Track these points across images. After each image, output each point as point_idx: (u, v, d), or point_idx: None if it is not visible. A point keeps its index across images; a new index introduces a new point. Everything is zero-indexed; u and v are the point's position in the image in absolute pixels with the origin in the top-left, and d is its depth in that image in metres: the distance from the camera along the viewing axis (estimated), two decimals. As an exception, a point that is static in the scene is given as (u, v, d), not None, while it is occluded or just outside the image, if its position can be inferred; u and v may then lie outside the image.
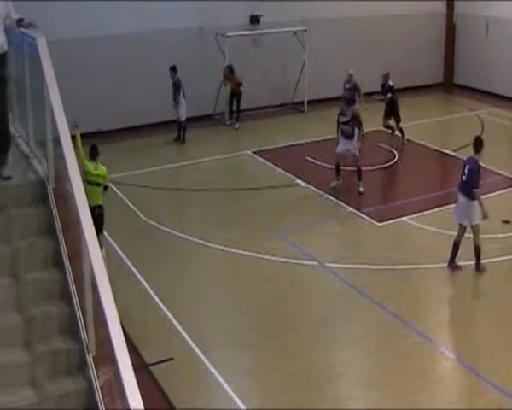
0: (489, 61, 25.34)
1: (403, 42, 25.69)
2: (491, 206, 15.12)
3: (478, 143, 12.39)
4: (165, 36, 20.75)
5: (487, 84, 25.19)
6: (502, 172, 17.46)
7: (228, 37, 21.19)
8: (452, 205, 13.52)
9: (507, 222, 14.44)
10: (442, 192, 16.52)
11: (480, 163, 12.35)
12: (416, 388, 9.34)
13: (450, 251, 12.48)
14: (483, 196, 12.37)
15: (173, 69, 19.43)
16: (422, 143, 19.88)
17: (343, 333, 10.76)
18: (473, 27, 26.14)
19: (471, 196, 12.15)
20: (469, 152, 17.25)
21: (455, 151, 18.86)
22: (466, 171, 12.25)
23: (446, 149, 19.20)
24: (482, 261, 12.44)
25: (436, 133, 21.16)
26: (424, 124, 21.96)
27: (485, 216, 12.02)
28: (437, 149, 19.48)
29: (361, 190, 15.94)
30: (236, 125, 21.23)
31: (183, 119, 19.64)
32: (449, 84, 27.01)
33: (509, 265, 12.83)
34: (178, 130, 19.82)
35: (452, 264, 12.52)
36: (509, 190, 16.39)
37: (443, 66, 27.42)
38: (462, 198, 12.37)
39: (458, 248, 12.44)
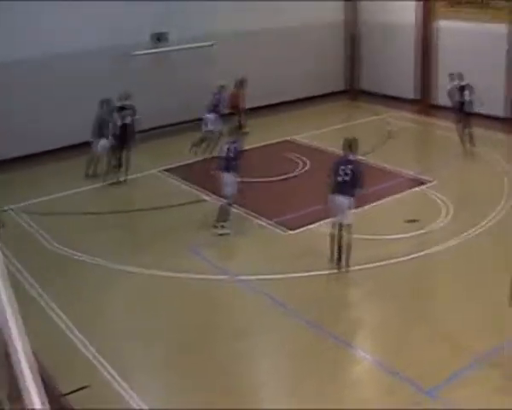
0: (389, 65, 26.09)
1: (308, 52, 26.14)
2: (398, 206, 15.66)
3: (351, 145, 12.81)
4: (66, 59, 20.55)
5: (389, 89, 25.90)
6: (407, 172, 18.00)
7: (133, 56, 21.10)
8: (359, 209, 13.99)
9: (412, 221, 14.88)
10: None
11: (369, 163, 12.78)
12: (335, 389, 9.58)
13: (363, 252, 12.97)
14: (391, 198, 12.75)
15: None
16: (330, 149, 20.23)
17: (261, 343, 10.90)
18: (373, 34, 26.86)
19: (352, 195, 12.49)
20: (377, 155, 17.77)
21: (363, 155, 19.27)
22: (347, 171, 12.43)
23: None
24: (391, 261, 12.99)
25: (341, 139, 21.52)
26: (332, 131, 22.39)
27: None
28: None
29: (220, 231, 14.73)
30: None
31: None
32: (354, 91, 27.61)
33: (415, 264, 13.25)
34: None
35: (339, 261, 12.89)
36: (413, 190, 16.88)
37: (347, 73, 28.04)
38: (340, 198, 12.55)
39: (335, 240, 12.87)
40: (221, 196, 15.30)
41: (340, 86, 27.82)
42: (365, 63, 27.38)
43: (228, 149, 14.59)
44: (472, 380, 9.64)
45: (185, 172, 18.80)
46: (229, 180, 14.58)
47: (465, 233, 14.22)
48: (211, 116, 19.60)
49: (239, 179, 14.86)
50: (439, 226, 14.68)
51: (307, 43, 26.13)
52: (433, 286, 12.98)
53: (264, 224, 15.20)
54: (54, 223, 15.75)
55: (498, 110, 22.65)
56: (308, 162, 18.99)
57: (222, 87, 20.03)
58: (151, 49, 22.19)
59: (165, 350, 10.78)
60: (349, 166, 12.46)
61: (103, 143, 18.26)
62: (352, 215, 12.70)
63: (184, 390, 9.76)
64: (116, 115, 17.96)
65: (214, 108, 19.72)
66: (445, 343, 10.58)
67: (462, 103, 19.44)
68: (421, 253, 13.52)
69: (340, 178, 12.48)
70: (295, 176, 18.27)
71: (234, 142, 14.74)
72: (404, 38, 25.60)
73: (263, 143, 20.50)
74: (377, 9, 26.52)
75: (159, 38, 22.43)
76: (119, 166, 18.17)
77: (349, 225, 12.63)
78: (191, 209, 16.30)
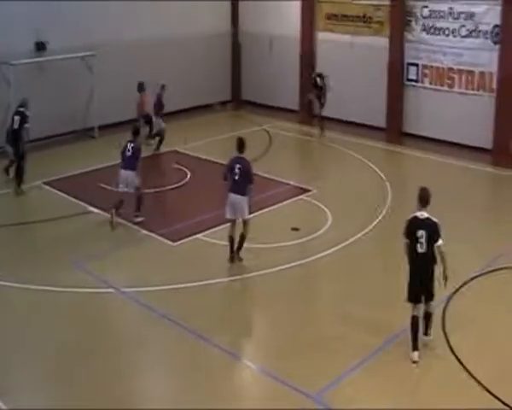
0: (273, 76, 26.57)
1: (192, 62, 26.26)
2: (280, 215, 15.94)
3: (241, 144, 13.51)
4: None
5: (272, 99, 26.37)
6: (289, 181, 18.36)
7: (12, 65, 20.56)
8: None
9: (296, 229, 15.17)
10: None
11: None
12: (219, 398, 9.62)
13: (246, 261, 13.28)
14: (275, 207, 13.02)
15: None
16: (213, 159, 20.36)
17: (145, 356, 10.81)
18: (257, 45, 27.28)
19: (244, 193, 13.23)
20: (258, 165, 18.04)
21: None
22: (237, 170, 13.17)
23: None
24: (273, 269, 13.27)
25: (226, 149, 21.72)
26: (214, 141, 22.54)
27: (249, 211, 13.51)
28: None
29: (138, 220, 15.67)
30: None
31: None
32: (237, 101, 27.91)
33: (298, 271, 13.52)
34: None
35: (233, 258, 13.55)
36: (296, 198, 17.22)
37: (231, 83, 28.31)
38: (235, 196, 13.25)
39: (234, 241, 13.51)
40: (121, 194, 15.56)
41: (227, 96, 28.06)
42: (248, 74, 27.72)
43: (128, 148, 15.64)
44: (356, 381, 9.94)
45: (69, 185, 18.41)
46: (129, 178, 15.50)
47: (346, 240, 14.62)
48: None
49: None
50: (321, 234, 15.03)
51: (194, 53, 26.26)
52: (315, 293, 13.29)
53: (148, 234, 15.12)
54: None
55: (380, 122, 23.47)
56: (189, 173, 18.99)
57: (163, 87, 21.09)
58: (31, 58, 21.63)
59: (47, 365, 10.52)
60: (237, 166, 13.23)
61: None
62: (247, 211, 13.31)
63: (66, 404, 9.53)
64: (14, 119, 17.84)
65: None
66: (328, 347, 10.84)
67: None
68: (304, 260, 13.83)
69: (236, 177, 13.16)
70: (178, 187, 18.23)
71: (133, 141, 15.72)
72: (287, 50, 26.12)
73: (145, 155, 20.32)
74: (260, 20, 26.96)
75: (39, 47, 21.94)
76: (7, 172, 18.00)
77: (246, 221, 13.39)
78: (75, 222, 15.99)
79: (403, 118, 23.24)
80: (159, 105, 21.52)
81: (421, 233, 10.17)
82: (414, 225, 10.31)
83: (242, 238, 13.57)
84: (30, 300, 12.46)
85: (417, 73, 22.85)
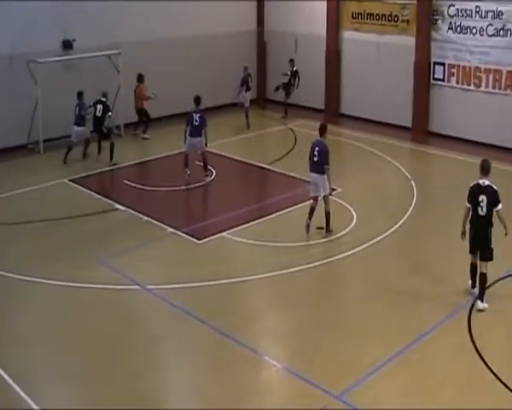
0: (300, 75, 26.49)
1: (218, 60, 26.31)
2: (306, 213, 15.89)
3: (323, 128, 14.97)
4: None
5: (298, 98, 26.28)
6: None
7: (39, 63, 20.74)
8: (268, 217, 15.33)
9: (321, 228, 15.14)
10: (259, 205, 17.18)
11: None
12: (244, 396, 9.62)
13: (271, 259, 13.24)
14: (300, 205, 13.28)
15: None
16: (239, 158, 20.43)
17: (170, 353, 10.85)
18: (282, 44, 27.26)
19: (323, 172, 14.59)
20: (284, 164, 18.06)
21: (269, 164, 19.54)
22: (316, 153, 14.65)
23: (261, 162, 19.86)
24: (299, 268, 13.27)
25: (252, 148, 21.80)
26: (240, 139, 22.60)
27: (332, 188, 15.05)
28: (252, 163, 20.12)
29: (209, 179, 18.14)
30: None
31: None
32: (262, 100, 27.89)
33: (321, 270, 13.50)
34: None
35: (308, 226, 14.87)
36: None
37: (256, 82, 28.30)
38: (315, 175, 14.80)
39: (314, 211, 14.89)
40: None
41: (253, 95, 28.00)
42: (273, 72, 27.67)
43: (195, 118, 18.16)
44: (379, 382, 9.88)
45: (95, 182, 18.57)
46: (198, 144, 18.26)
47: (371, 239, 14.58)
48: None
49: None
50: (346, 233, 14.99)
51: (219, 52, 26.31)
52: (340, 292, 13.23)
53: (174, 232, 15.18)
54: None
55: (406, 121, 23.37)
56: (215, 171, 19.03)
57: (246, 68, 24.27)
58: (58, 56, 21.81)
59: (74, 361, 10.56)
60: (316, 149, 14.70)
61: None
62: (327, 187, 14.71)
63: (91, 401, 9.60)
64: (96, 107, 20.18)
65: None
66: (351, 347, 10.81)
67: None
68: (327, 260, 13.80)
69: (315, 158, 14.65)
70: (204, 185, 18.28)
71: (197, 111, 18.27)
72: (313, 49, 26.11)
73: (173, 152, 20.45)
74: (286, 19, 26.96)
75: (66, 46, 22.12)
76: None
77: (326, 197, 14.75)
78: (100, 219, 16.11)
79: (429, 117, 23.11)
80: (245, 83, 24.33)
81: (482, 198, 11.64)
82: (476, 191, 11.73)
83: (327, 214, 14.84)
84: (56, 296, 12.55)
85: (444, 73, 22.69)
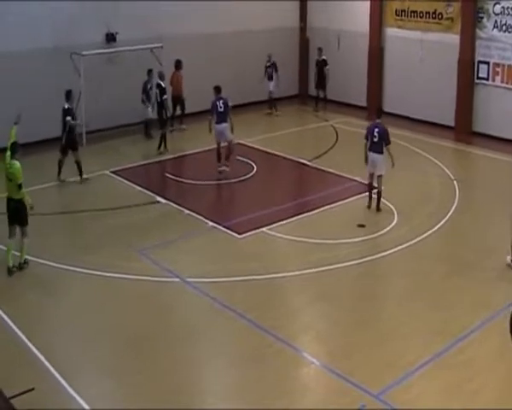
0: (341, 72, 26.40)
1: (260, 56, 26.30)
2: (346, 211, 15.85)
3: (379, 111, 17.17)
4: (16, 58, 20.33)
5: (340, 95, 26.18)
6: (356, 178, 18.19)
7: (83, 56, 20.92)
8: (308, 213, 15.38)
9: (362, 226, 15.06)
10: (299, 201, 17.17)
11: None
12: (282, 393, 9.58)
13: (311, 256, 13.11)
14: (341, 202, 13.91)
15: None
16: (280, 154, 20.41)
17: (208, 346, 10.84)
18: (325, 40, 27.14)
19: (382, 151, 15.88)
20: (324, 160, 17.99)
21: (310, 161, 19.47)
22: (376, 134, 15.87)
23: (302, 158, 19.80)
24: (339, 265, 13.22)
25: (293, 144, 21.74)
26: (282, 135, 22.57)
27: (393, 164, 15.91)
28: (294, 159, 20.08)
29: (225, 169, 18.23)
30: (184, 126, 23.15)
31: None
32: (304, 96, 27.83)
33: (363, 268, 13.41)
34: None
35: (369, 202, 16.25)
36: (362, 195, 17.04)
37: (298, 78, 28.26)
38: (374, 155, 15.96)
39: (372, 188, 16.23)
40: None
41: (294, 91, 28.03)
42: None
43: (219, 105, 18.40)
44: (418, 382, 9.79)
45: (136, 174, 18.72)
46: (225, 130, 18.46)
47: (411, 239, 14.45)
48: None
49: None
50: (387, 231, 14.89)
51: (262, 48, 26.28)
52: (380, 290, 13.11)
53: (214, 226, 15.21)
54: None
55: (449, 120, 23.13)
56: (256, 166, 19.02)
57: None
58: (101, 49, 22.02)
59: (112, 352, 10.68)
60: (376, 130, 15.95)
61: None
62: (384, 168, 15.98)
63: (129, 392, 9.67)
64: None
65: None
66: (391, 346, 10.72)
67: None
68: (368, 258, 13.70)
69: (374, 139, 15.88)
70: (244, 179, 18.30)
71: (221, 98, 18.54)
72: (356, 46, 25.97)
73: (214, 147, 20.48)
74: (329, 15, 26.85)
75: (109, 39, 22.31)
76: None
77: (380, 176, 16.04)
78: (142, 211, 16.21)
79: (472, 117, 22.82)
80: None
81: None
82: None
83: (379, 194, 16.03)
84: (95, 286, 12.67)
85: (488, 71, 22.38)
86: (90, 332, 11.23)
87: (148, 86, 21.39)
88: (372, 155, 15.96)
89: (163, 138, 20.50)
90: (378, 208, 16.00)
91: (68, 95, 17.86)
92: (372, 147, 15.96)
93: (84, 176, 18.09)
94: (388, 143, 15.87)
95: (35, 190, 16.71)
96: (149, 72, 21.35)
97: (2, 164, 13.24)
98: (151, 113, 21.73)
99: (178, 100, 22.85)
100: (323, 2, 27.14)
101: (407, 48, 24.41)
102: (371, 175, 16.18)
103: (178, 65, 22.68)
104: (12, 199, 13.03)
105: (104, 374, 10.20)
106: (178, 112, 23.07)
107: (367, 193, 16.32)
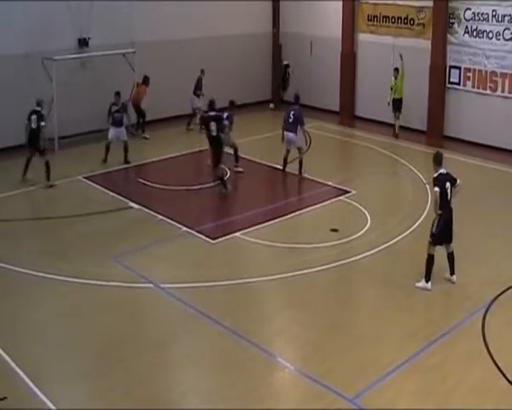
0: (314, 77, 26.53)
1: (233, 61, 26.38)
2: (320, 215, 15.89)
3: (297, 97, 19.37)
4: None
5: (312, 100, 26.26)
6: (329, 182, 18.30)
7: (55, 60, 20.81)
8: (282, 218, 15.64)
9: (335, 230, 15.12)
10: (273, 206, 17.14)
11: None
12: (257, 398, 9.57)
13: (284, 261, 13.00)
14: (314, 207, 13.96)
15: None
16: (253, 158, 20.44)
17: (182, 353, 10.83)
18: (298, 46, 27.25)
19: (296, 131, 18.61)
20: (296, 165, 17.99)
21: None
22: (291, 115, 18.57)
23: (276, 163, 19.83)
24: (312, 270, 13.27)
25: (266, 149, 21.76)
26: (255, 140, 22.61)
27: (307, 142, 19.98)
28: (266, 164, 20.15)
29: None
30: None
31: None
32: (277, 101, 27.86)
33: (335, 272, 13.45)
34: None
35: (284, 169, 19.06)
36: (335, 199, 17.15)
37: (271, 83, 28.32)
38: (290, 134, 18.60)
39: (286, 162, 19.07)
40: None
41: (267, 96, 28.09)
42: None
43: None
44: (392, 386, 9.84)
45: (109, 180, 18.63)
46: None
47: (385, 242, 14.56)
48: None
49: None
50: (360, 235, 14.96)
51: (234, 54, 26.38)
52: (353, 294, 13.22)
53: (188, 231, 15.18)
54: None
55: (421, 125, 23.35)
56: (229, 171, 19.03)
57: (202, 71, 23.81)
58: (74, 54, 21.92)
59: (86, 359, 10.59)
60: (292, 112, 18.63)
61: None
62: (299, 142, 18.88)
63: (104, 400, 9.60)
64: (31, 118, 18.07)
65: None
66: (365, 350, 10.77)
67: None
68: (341, 262, 13.76)
69: (290, 120, 18.50)
70: (217, 185, 18.26)
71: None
72: (328, 51, 26.15)
73: (185, 152, 20.52)
74: (301, 21, 26.96)
75: (81, 44, 22.21)
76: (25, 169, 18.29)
77: (299, 148, 18.90)
78: (114, 217, 16.14)
79: (444, 121, 23.04)
80: (198, 86, 23.70)
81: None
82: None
83: (300, 163, 18.73)
84: (69, 293, 12.57)
85: (459, 76, 22.61)
86: (64, 339, 11.14)
87: (113, 109, 20.14)
88: (287, 134, 18.51)
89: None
90: (300, 173, 18.56)
91: (39, 102, 18.09)
92: (287, 127, 18.50)
93: (50, 183, 17.97)
94: (302, 124, 18.67)
95: (5, 197, 16.65)
96: (117, 94, 20.19)
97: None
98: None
99: (137, 109, 22.83)
100: (296, 8, 27.24)
101: (379, 53, 24.58)
102: (288, 151, 18.78)
103: (145, 80, 22.69)
104: None
105: (78, 381, 10.12)
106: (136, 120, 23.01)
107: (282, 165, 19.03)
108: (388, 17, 24.37)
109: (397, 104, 22.98)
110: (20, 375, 10.00)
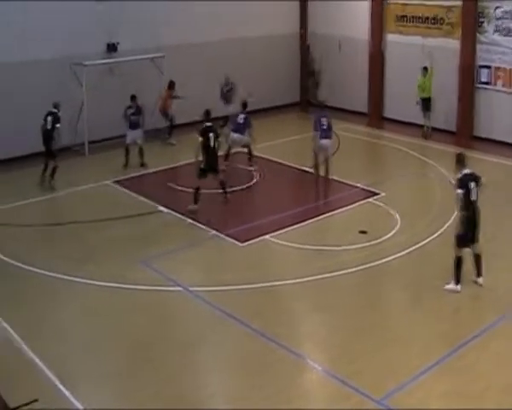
0: (342, 78, 26.45)
1: (260, 63, 26.37)
2: (349, 217, 15.82)
3: (243, 104, 19.91)
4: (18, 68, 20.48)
5: (342, 102, 26.19)
6: (357, 184, 18.23)
7: (85, 66, 21.00)
8: (311, 220, 15.68)
9: (364, 232, 15.05)
10: (301, 208, 17.06)
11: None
12: (286, 399, 9.57)
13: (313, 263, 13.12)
14: (343, 209, 14.57)
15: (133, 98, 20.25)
16: (281, 161, 20.44)
17: (211, 354, 10.88)
18: (326, 46, 27.19)
19: (244, 133, 19.35)
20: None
21: (311, 167, 19.46)
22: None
23: (303, 166, 19.81)
24: (341, 272, 13.25)
25: (294, 151, 21.73)
26: (283, 143, 22.59)
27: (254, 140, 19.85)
28: (295, 166, 20.12)
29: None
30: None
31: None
32: (305, 103, 27.84)
33: (364, 274, 13.39)
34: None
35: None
36: (364, 201, 17.08)
37: (299, 85, 28.29)
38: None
39: (228, 155, 19.90)
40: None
41: (295, 98, 28.06)
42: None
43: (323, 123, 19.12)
44: (420, 388, 9.77)
45: (139, 184, 18.75)
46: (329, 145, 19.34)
47: (414, 244, 14.46)
48: None
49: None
50: (389, 237, 14.87)
51: (262, 55, 26.38)
52: (382, 296, 13.13)
53: (216, 234, 15.22)
54: (1, 234, 15.54)
55: (450, 125, 23.16)
56: (258, 174, 19.04)
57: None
58: (103, 59, 22.10)
59: (115, 360, 10.68)
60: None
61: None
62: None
63: (133, 400, 9.66)
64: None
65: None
66: (394, 352, 10.71)
67: None
68: (370, 264, 13.68)
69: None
70: (246, 187, 18.34)
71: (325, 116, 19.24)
72: (357, 52, 26.01)
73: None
74: (329, 21, 26.90)
75: (110, 49, 22.39)
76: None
77: (244, 145, 19.66)
78: (143, 221, 16.22)
79: (474, 121, 22.83)
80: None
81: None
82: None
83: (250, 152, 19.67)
84: (98, 296, 12.68)
85: (489, 76, 22.39)
86: (93, 342, 11.23)
87: (129, 112, 20.31)
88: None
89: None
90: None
91: (56, 104, 18.39)
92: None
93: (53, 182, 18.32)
94: (250, 126, 19.56)
95: (33, 202, 16.84)
96: (132, 97, 20.33)
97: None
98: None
99: (165, 115, 22.90)
100: (323, 8, 27.18)
101: (408, 53, 24.41)
102: (230, 148, 19.80)
103: (170, 85, 22.71)
104: None
105: (107, 382, 10.22)
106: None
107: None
108: (417, 17, 24.21)
109: (426, 104, 22.80)
110: (50, 377, 10.10)
